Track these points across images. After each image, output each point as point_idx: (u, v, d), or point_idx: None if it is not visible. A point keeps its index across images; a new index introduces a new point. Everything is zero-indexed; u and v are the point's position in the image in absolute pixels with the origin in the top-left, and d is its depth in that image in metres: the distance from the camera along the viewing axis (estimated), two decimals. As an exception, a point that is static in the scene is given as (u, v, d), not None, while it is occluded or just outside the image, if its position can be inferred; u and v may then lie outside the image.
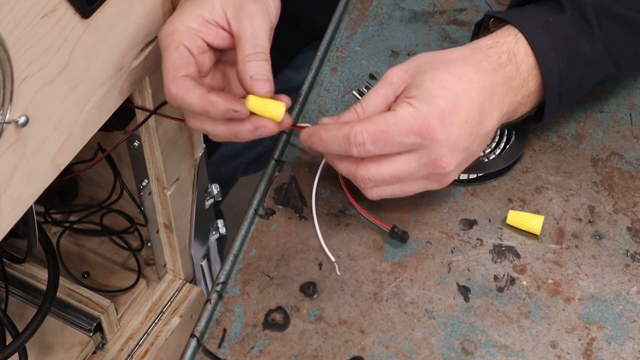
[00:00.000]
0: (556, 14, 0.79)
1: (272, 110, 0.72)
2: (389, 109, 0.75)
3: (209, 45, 0.74)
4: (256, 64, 0.71)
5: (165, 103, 0.84)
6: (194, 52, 0.73)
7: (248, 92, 0.72)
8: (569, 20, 0.79)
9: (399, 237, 0.80)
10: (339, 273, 0.79)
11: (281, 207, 0.83)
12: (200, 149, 0.97)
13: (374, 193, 0.75)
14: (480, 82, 0.74)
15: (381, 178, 0.74)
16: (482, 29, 0.85)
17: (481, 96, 0.74)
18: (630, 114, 0.90)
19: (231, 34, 0.74)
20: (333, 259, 0.79)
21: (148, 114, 0.84)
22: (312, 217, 0.82)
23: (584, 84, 0.82)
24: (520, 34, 0.78)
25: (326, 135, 0.73)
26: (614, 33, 0.80)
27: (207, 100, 0.71)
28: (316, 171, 0.85)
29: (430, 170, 0.74)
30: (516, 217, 0.81)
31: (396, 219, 0.82)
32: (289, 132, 0.87)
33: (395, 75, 0.75)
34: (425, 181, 0.75)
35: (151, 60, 0.80)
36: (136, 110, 0.85)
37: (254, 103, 0.72)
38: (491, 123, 0.76)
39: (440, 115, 0.72)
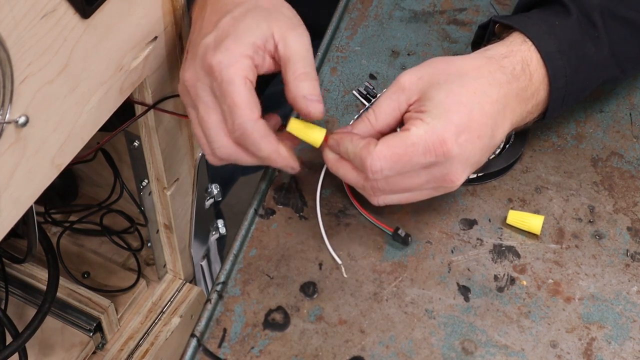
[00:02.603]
0: (562, 18, 0.79)
1: (313, 136, 0.75)
2: (401, 116, 0.75)
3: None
4: (309, 84, 0.72)
5: (164, 99, 0.84)
6: (253, 85, 0.73)
7: (301, 111, 0.73)
8: (575, 24, 0.78)
9: (402, 239, 0.79)
10: (345, 275, 0.78)
11: (281, 207, 0.83)
12: (200, 149, 0.97)
13: (380, 200, 0.75)
14: (494, 95, 0.74)
15: (390, 189, 0.73)
16: (488, 33, 0.84)
17: (494, 109, 0.74)
18: (630, 114, 0.90)
19: (273, 58, 0.74)
20: (339, 261, 0.79)
21: (147, 108, 0.83)
22: (315, 217, 0.82)
23: (587, 87, 0.82)
24: (530, 42, 0.77)
25: (351, 149, 0.73)
26: (620, 36, 0.80)
27: (276, 151, 0.73)
28: (316, 171, 0.85)
29: (439, 183, 0.73)
30: (516, 217, 0.81)
31: (396, 219, 0.82)
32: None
33: (408, 82, 0.74)
34: (432, 191, 0.75)
35: (151, 60, 0.80)
36: (135, 106, 0.84)
37: (295, 126, 0.74)
38: (501, 135, 0.75)
39: (455, 132, 0.71)
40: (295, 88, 0.72)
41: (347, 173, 0.75)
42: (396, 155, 0.71)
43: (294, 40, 0.73)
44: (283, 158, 0.74)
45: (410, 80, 0.74)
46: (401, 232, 0.80)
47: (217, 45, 0.72)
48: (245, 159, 0.75)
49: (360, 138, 0.73)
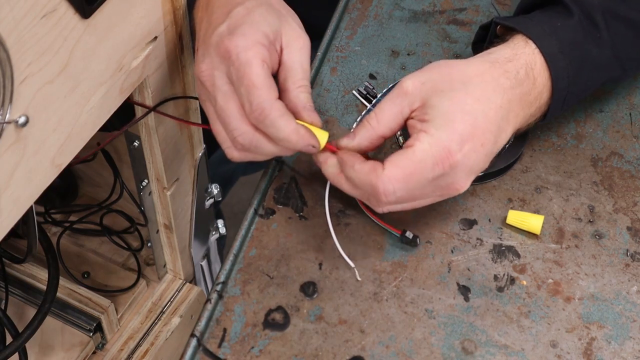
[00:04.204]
0: (564, 19, 0.79)
1: (317, 137, 0.75)
2: (404, 121, 0.74)
3: None
4: (307, 96, 0.74)
5: (165, 101, 0.84)
6: (270, 70, 0.73)
7: (303, 119, 0.74)
8: (577, 25, 0.78)
9: (410, 241, 0.79)
10: (359, 279, 0.78)
11: (281, 206, 0.83)
12: (200, 149, 0.97)
13: (385, 208, 0.75)
14: (497, 101, 0.73)
15: (396, 199, 0.73)
16: (489, 35, 0.84)
17: (498, 115, 0.73)
18: (630, 114, 0.90)
19: (277, 59, 0.74)
20: (352, 264, 0.79)
21: (147, 110, 0.83)
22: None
23: (589, 87, 0.82)
24: (534, 45, 0.77)
25: (356, 176, 0.73)
26: (622, 36, 0.80)
27: (295, 130, 0.72)
28: (316, 171, 0.85)
29: (445, 191, 0.73)
30: (516, 217, 0.81)
31: (396, 219, 0.82)
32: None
33: (411, 86, 0.74)
34: (437, 198, 0.75)
35: (151, 60, 0.80)
36: (136, 107, 0.84)
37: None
38: (505, 139, 0.75)
39: (459, 142, 0.71)
40: (296, 98, 0.74)
41: (349, 188, 0.75)
42: (407, 175, 0.71)
43: (298, 50, 0.74)
44: (303, 137, 0.72)
45: (414, 85, 0.74)
46: (408, 234, 0.79)
47: (232, 31, 0.72)
48: (265, 146, 0.74)
49: (362, 161, 0.73)
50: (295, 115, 0.74)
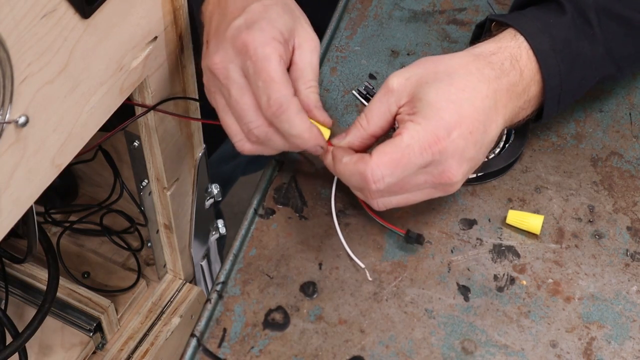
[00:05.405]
0: (557, 16, 0.79)
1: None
2: (392, 118, 0.75)
3: None
4: (316, 96, 0.75)
5: (164, 101, 0.84)
6: (286, 67, 0.74)
7: (316, 119, 0.75)
8: (570, 22, 0.79)
9: (415, 240, 0.79)
10: (370, 279, 0.78)
11: (281, 206, 0.83)
12: (200, 149, 0.97)
13: (380, 203, 0.75)
14: (483, 90, 0.74)
15: (385, 186, 0.73)
16: (484, 31, 0.85)
17: (485, 105, 0.74)
18: (630, 114, 0.90)
19: (290, 58, 0.75)
20: (362, 265, 0.79)
21: (146, 110, 0.83)
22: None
23: (584, 85, 0.82)
24: (522, 38, 0.77)
25: (343, 169, 0.74)
26: (615, 34, 0.80)
27: (309, 128, 0.73)
28: (316, 171, 0.85)
29: (437, 181, 0.73)
30: (516, 217, 0.81)
31: (396, 219, 0.82)
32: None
33: (396, 83, 0.75)
34: (431, 190, 0.75)
35: (151, 60, 0.80)
36: (136, 108, 0.84)
37: None
38: (495, 130, 0.75)
39: (446, 128, 0.71)
40: (307, 97, 0.74)
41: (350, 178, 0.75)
42: (395, 160, 0.71)
43: (309, 51, 0.75)
44: (315, 137, 0.74)
45: (399, 82, 0.75)
46: (412, 234, 0.79)
47: (250, 26, 0.73)
48: (276, 141, 0.75)
49: (350, 154, 0.74)
50: (307, 113, 0.74)
